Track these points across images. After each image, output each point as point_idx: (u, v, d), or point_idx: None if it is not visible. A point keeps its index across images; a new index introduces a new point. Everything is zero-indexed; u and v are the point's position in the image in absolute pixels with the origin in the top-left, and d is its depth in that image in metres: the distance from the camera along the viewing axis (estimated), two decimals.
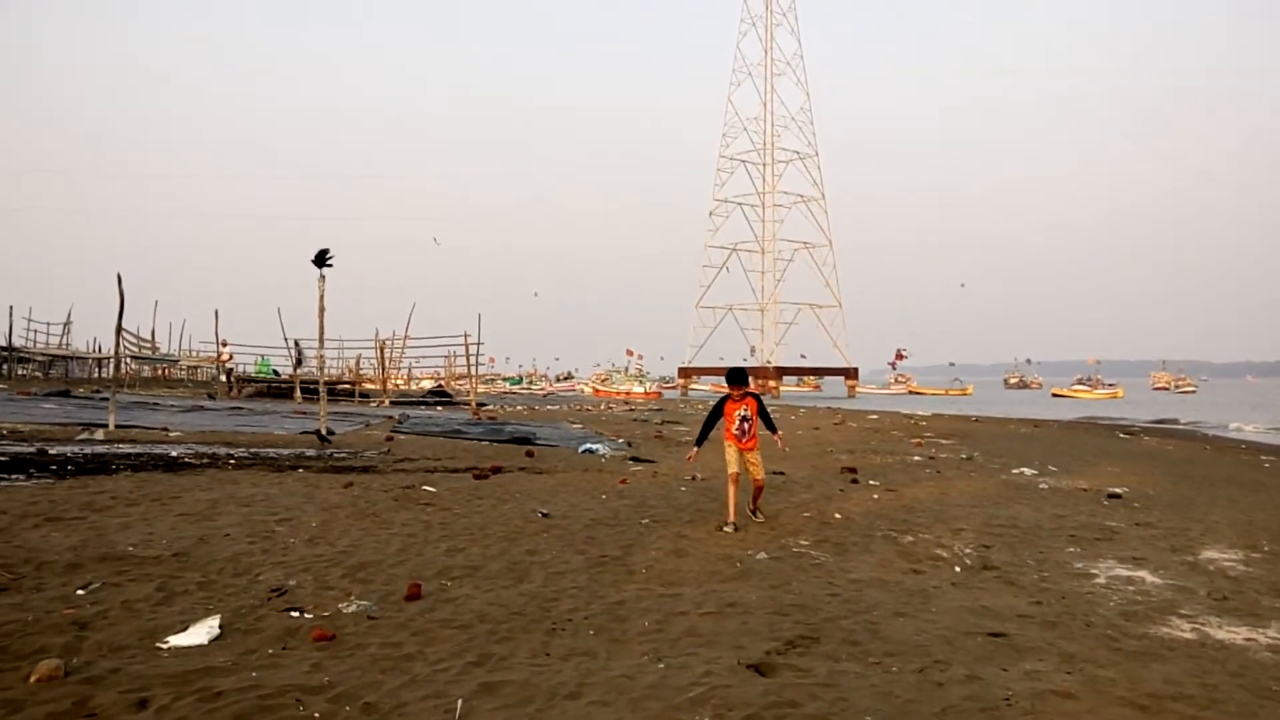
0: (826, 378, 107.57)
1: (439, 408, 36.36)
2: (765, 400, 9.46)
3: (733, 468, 9.01)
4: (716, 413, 9.18)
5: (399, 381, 48.88)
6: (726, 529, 8.72)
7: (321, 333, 20.52)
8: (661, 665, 4.85)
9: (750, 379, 9.03)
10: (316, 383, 24.48)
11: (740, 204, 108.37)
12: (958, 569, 7.59)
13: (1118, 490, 12.87)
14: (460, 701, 4.24)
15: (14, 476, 10.69)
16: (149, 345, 51.45)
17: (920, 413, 43.78)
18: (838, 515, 9.94)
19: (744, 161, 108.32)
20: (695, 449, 9.49)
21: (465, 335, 39.06)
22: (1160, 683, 4.80)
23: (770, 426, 9.25)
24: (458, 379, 49.35)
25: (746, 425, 8.99)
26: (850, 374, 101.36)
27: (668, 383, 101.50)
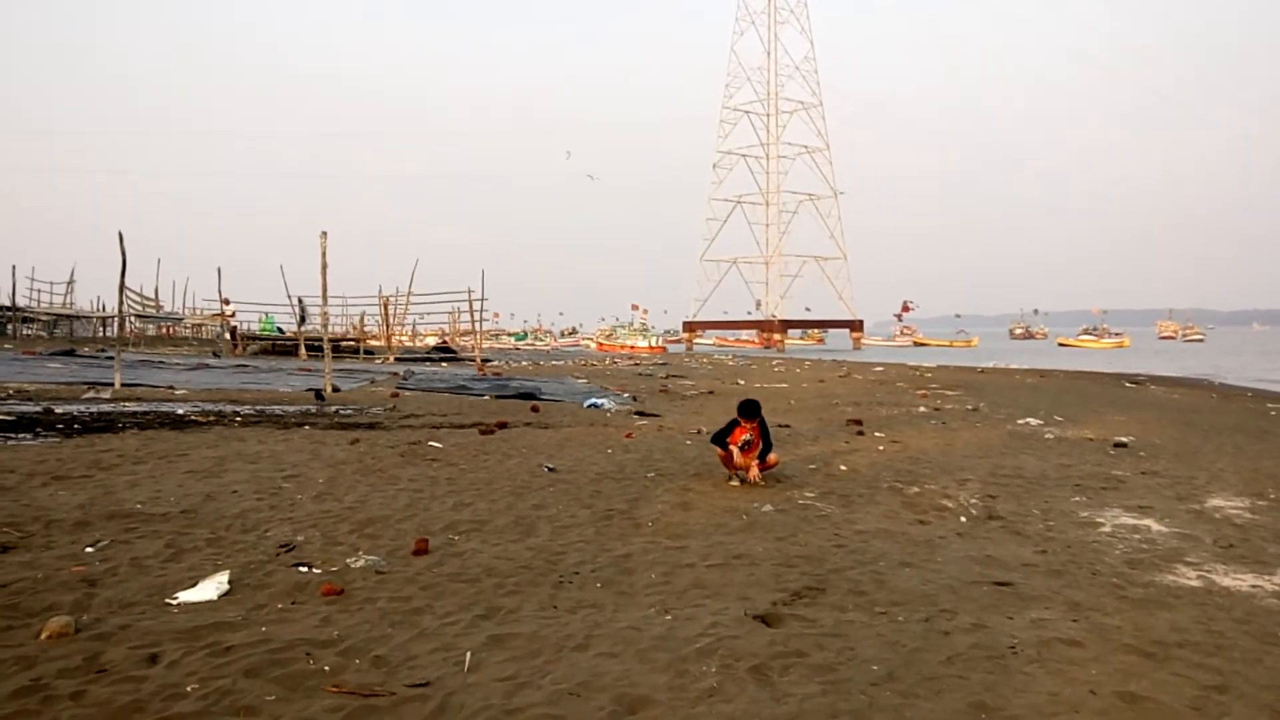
0: (831, 330, 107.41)
1: (444, 364, 36.38)
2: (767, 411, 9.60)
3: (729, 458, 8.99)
4: (725, 431, 9.09)
5: (403, 338, 48.90)
6: (733, 482, 8.75)
7: (325, 289, 20.48)
8: (668, 617, 4.87)
9: (760, 409, 9.13)
10: (321, 340, 24.50)
11: (744, 155, 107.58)
12: (963, 519, 7.60)
13: (1124, 439, 12.87)
14: (469, 654, 4.26)
15: (21, 436, 10.73)
16: (153, 304, 51.43)
17: (925, 364, 43.76)
18: (843, 467, 9.95)
19: (748, 112, 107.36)
20: (720, 449, 9.13)
21: (469, 291, 39.05)
22: (1166, 630, 4.82)
23: (768, 446, 9.01)
24: (462, 335, 49.35)
25: (747, 446, 8.96)
26: (855, 326, 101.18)
27: (672, 337, 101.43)
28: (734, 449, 8.92)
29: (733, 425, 9.06)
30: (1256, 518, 7.86)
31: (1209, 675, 4.21)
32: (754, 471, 8.86)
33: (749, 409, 9.01)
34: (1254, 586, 5.74)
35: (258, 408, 15.16)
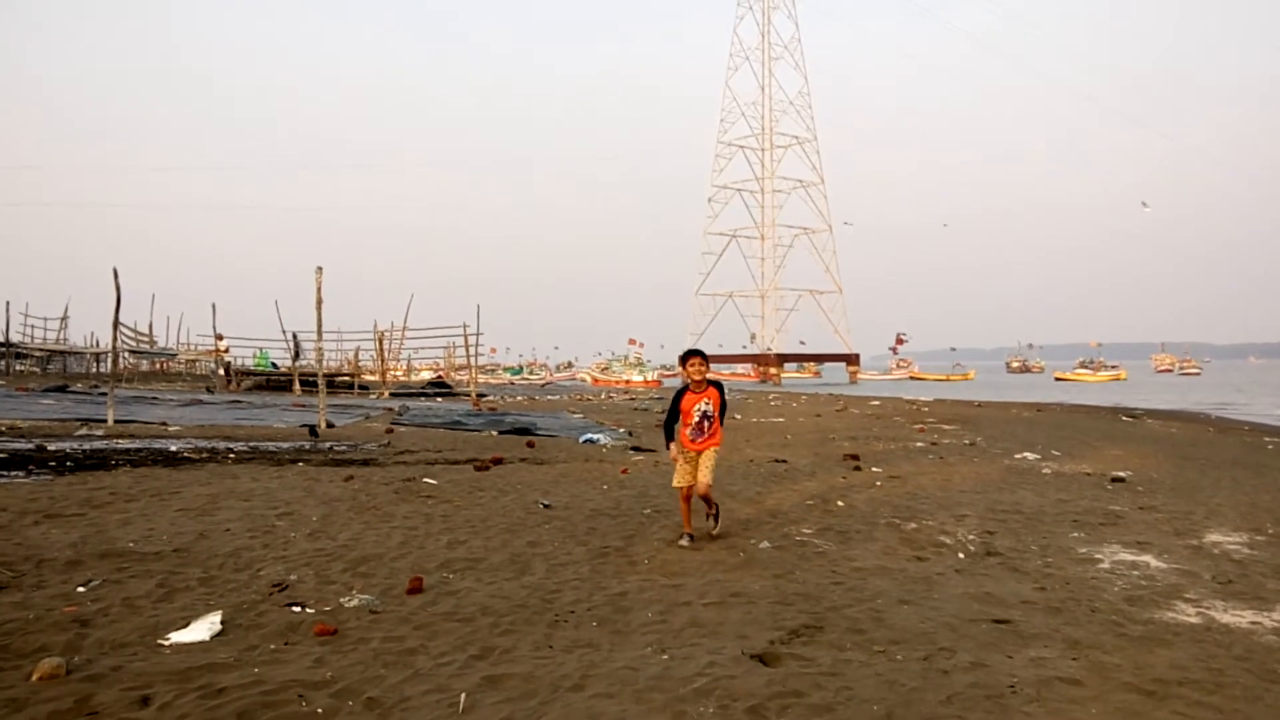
0: (827, 364, 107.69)
1: (439, 399, 36.37)
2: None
3: (681, 480, 7.66)
4: (675, 410, 7.78)
5: (398, 373, 48.88)
6: (682, 542, 7.55)
7: (320, 325, 20.49)
8: (665, 656, 4.83)
9: (708, 356, 7.63)
10: (315, 375, 24.48)
11: (739, 190, 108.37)
12: (961, 555, 7.57)
13: (1121, 474, 12.85)
14: (464, 695, 4.22)
15: (13, 473, 10.67)
16: (146, 339, 51.41)
17: (922, 398, 43.79)
18: (840, 503, 9.92)
19: (742, 147, 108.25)
20: (671, 444, 7.82)
21: (464, 326, 39.09)
22: (1166, 668, 4.79)
23: (720, 421, 7.65)
24: (457, 370, 49.35)
25: (706, 423, 7.54)
26: (852, 360, 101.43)
27: (668, 371, 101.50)
28: (685, 432, 7.45)
29: (680, 394, 7.54)
30: (1255, 553, 7.84)
31: (1209, 713, 4.17)
32: (706, 453, 7.39)
33: (695, 352, 7.49)
34: (1253, 623, 5.71)
35: (251, 444, 15.12)
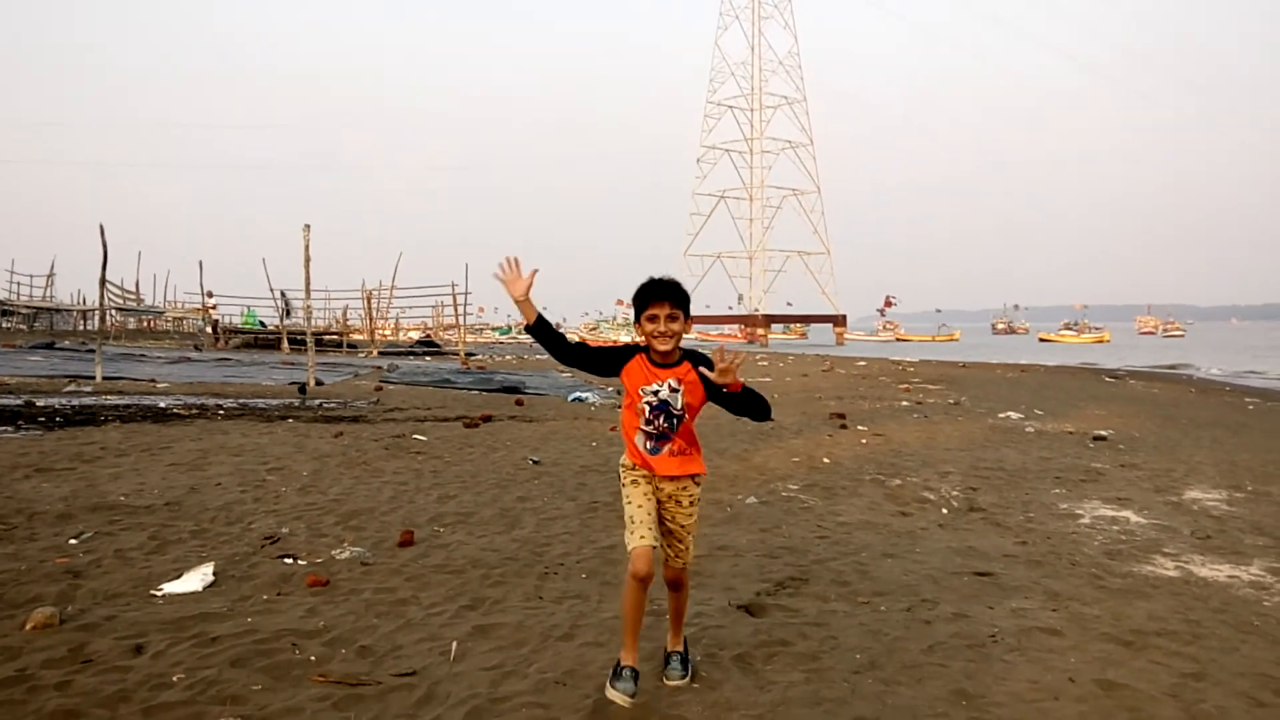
0: (814, 325, 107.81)
1: (427, 358, 36.33)
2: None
3: (641, 535, 3.71)
4: (600, 353, 3.93)
5: (386, 332, 48.75)
6: (615, 692, 3.66)
7: (308, 283, 20.41)
8: (653, 607, 4.89)
9: (689, 302, 3.75)
10: (304, 333, 24.40)
11: (728, 150, 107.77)
12: (945, 511, 7.67)
13: (1103, 433, 12.98)
14: (455, 644, 4.28)
15: (2, 428, 10.66)
16: (133, 297, 51.11)
17: (908, 359, 43.93)
18: (826, 460, 10.00)
19: (731, 107, 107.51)
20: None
21: (453, 285, 39.02)
22: (1144, 619, 4.88)
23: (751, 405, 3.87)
24: (446, 329, 49.23)
25: (665, 421, 3.72)
26: (839, 321, 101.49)
27: None
28: (632, 431, 3.78)
29: (629, 355, 3.79)
30: (1233, 509, 7.96)
31: (1186, 663, 4.27)
32: (682, 500, 3.83)
33: (665, 291, 3.65)
34: (1230, 577, 5.82)
35: (240, 401, 15.11)
